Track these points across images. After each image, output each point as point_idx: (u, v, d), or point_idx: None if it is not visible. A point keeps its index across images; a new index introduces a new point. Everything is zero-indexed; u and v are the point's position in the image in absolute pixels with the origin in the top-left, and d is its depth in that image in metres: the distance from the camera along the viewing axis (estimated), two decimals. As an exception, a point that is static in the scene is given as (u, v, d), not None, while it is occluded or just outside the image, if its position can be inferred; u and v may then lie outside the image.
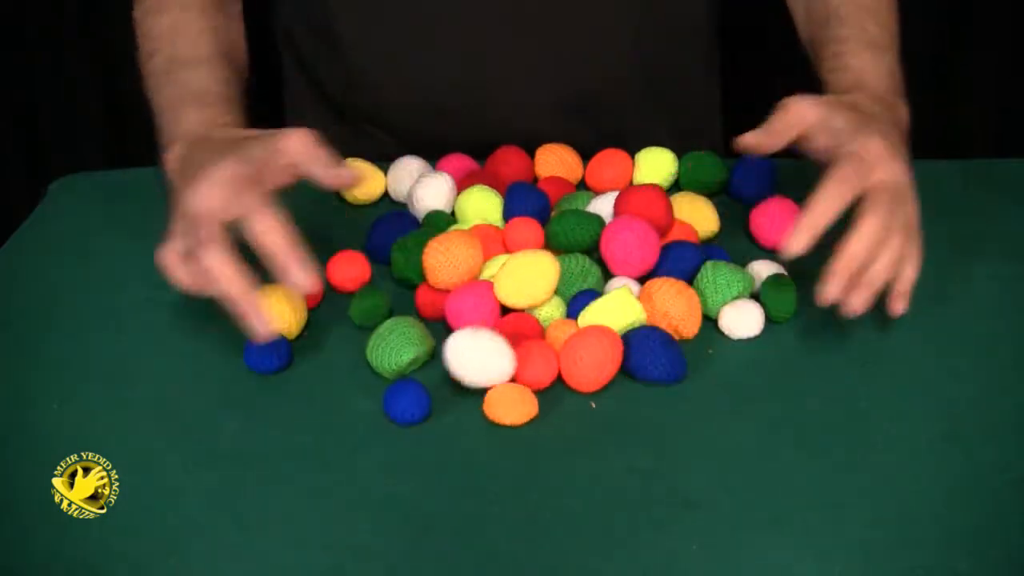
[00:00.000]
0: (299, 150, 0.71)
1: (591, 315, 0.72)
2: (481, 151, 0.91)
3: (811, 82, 0.83)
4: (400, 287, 0.79)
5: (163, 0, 0.88)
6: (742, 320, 0.73)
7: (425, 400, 0.67)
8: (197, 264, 0.67)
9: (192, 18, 0.86)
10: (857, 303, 0.68)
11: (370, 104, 0.98)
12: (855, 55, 0.80)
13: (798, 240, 0.67)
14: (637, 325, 0.72)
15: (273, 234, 0.67)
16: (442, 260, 0.74)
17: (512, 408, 0.67)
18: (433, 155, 0.91)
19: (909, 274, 0.70)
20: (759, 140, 0.73)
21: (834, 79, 0.80)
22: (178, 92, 0.81)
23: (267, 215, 0.67)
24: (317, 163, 0.71)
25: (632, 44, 0.95)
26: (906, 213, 0.70)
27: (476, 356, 0.67)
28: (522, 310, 0.73)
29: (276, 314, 0.72)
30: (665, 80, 0.99)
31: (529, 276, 0.72)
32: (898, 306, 0.70)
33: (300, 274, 0.66)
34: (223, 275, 0.66)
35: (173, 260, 0.69)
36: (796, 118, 0.73)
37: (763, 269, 0.78)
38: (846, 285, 0.68)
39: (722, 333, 0.74)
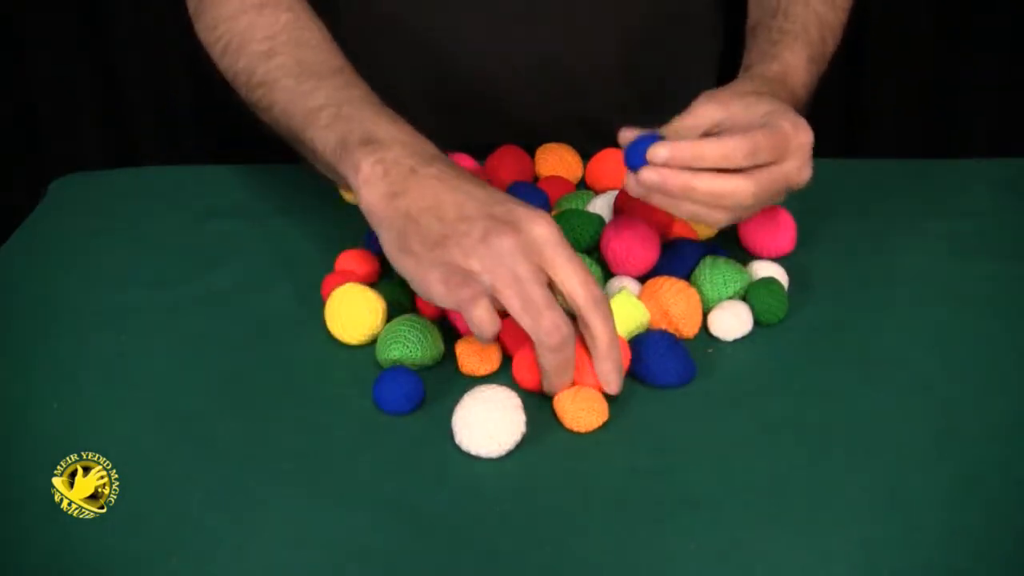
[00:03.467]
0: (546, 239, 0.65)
1: None
2: (481, 151, 0.92)
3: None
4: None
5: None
6: (730, 323, 0.73)
7: (412, 391, 0.67)
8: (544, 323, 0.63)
9: (308, 19, 0.81)
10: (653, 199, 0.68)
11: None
12: (792, 51, 0.79)
13: (658, 153, 0.66)
14: (642, 328, 0.72)
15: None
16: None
17: (585, 413, 0.66)
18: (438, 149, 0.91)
19: (719, 217, 0.69)
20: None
21: (761, 66, 0.78)
22: (346, 95, 0.74)
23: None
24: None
25: (624, 46, 0.95)
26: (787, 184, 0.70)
27: (484, 425, 0.64)
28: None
29: (357, 319, 0.72)
30: (664, 90, 0.99)
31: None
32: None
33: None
34: (564, 349, 0.64)
35: (485, 316, 0.63)
36: (701, 119, 0.71)
37: (762, 269, 0.78)
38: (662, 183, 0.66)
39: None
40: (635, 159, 0.68)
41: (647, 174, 0.66)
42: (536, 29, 0.92)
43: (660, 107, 0.99)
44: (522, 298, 0.63)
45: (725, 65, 1.06)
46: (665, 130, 0.71)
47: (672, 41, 0.96)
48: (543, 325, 0.63)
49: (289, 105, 0.76)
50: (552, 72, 0.94)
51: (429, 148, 0.70)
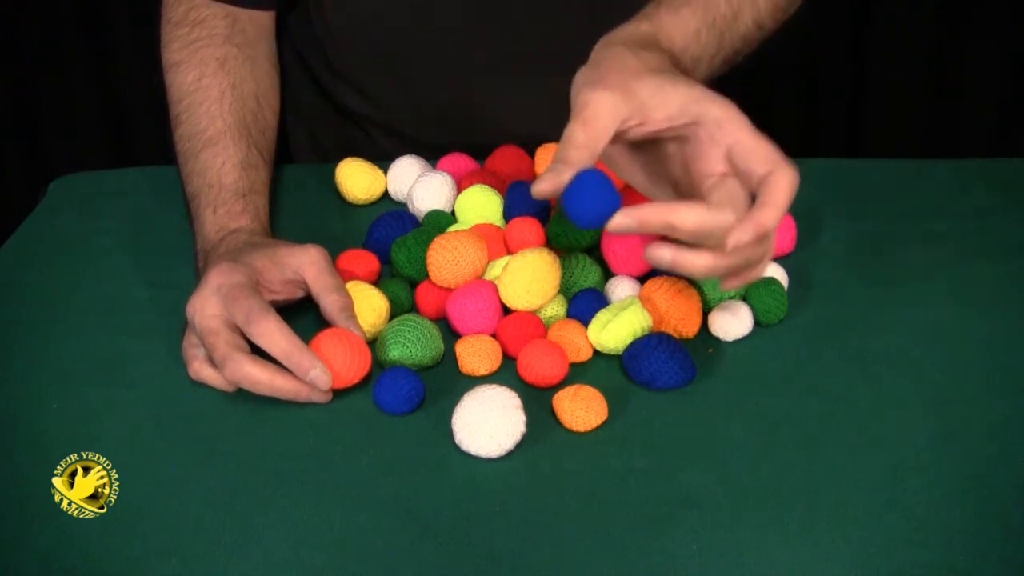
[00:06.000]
0: (310, 273, 0.72)
1: (599, 325, 0.71)
2: (481, 151, 0.91)
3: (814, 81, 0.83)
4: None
5: (183, 52, 0.87)
6: (730, 323, 0.73)
7: (412, 392, 0.68)
8: (226, 375, 0.68)
9: (210, 76, 0.86)
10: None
11: (368, 108, 0.98)
12: (685, 18, 0.69)
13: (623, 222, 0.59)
14: (645, 331, 0.72)
15: (273, 338, 0.67)
16: (449, 258, 0.74)
17: (584, 412, 0.66)
18: (433, 155, 0.92)
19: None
20: (555, 183, 0.60)
21: (653, 19, 0.68)
22: (197, 183, 0.82)
23: (263, 321, 0.68)
24: (327, 292, 0.72)
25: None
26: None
27: (484, 427, 0.64)
28: (526, 311, 0.73)
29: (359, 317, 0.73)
30: None
31: (533, 278, 0.72)
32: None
33: (314, 372, 0.67)
34: (258, 383, 0.67)
35: (208, 373, 0.70)
36: (605, 121, 0.60)
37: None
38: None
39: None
40: (589, 215, 0.58)
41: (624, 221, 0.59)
42: (528, 35, 0.91)
43: None
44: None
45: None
46: (571, 146, 0.59)
47: None
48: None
49: (183, 186, 0.84)
50: (545, 77, 0.94)
51: (208, 236, 0.78)
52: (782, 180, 0.60)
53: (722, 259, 0.61)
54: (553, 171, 0.60)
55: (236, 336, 0.69)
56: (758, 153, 0.60)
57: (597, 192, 0.58)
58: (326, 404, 0.69)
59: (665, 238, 0.61)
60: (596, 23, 0.91)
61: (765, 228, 0.60)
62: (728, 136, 0.61)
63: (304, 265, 0.73)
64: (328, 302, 0.71)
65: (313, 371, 0.67)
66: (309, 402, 0.68)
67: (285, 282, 0.73)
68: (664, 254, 0.60)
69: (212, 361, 0.69)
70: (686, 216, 0.59)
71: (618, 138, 0.62)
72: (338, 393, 0.69)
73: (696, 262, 0.61)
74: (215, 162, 0.82)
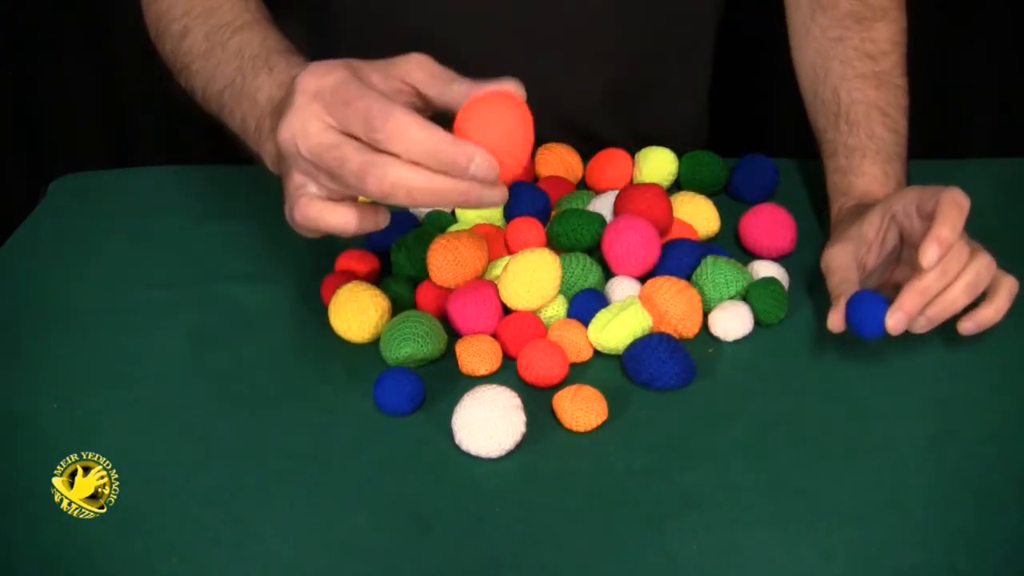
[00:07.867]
0: (419, 74, 0.60)
1: (599, 325, 0.71)
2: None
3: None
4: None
5: None
6: (730, 323, 0.73)
7: (413, 392, 0.68)
8: (371, 187, 0.55)
9: None
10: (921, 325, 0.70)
11: None
12: (861, 173, 0.81)
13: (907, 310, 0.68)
14: (645, 331, 0.72)
15: (409, 134, 0.53)
16: (449, 258, 0.74)
17: (584, 412, 0.66)
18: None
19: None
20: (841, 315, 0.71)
21: (837, 202, 0.81)
22: (233, 67, 0.71)
23: (391, 116, 0.53)
24: (448, 83, 0.59)
25: (617, 59, 0.95)
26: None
27: (484, 427, 0.64)
28: (526, 311, 0.73)
29: (353, 321, 0.72)
30: (653, 99, 0.99)
31: (533, 278, 0.72)
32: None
33: (474, 163, 0.54)
34: (413, 189, 0.54)
35: (319, 209, 0.58)
36: (845, 273, 0.73)
37: (763, 269, 0.78)
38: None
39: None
40: (869, 327, 0.69)
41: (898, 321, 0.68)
42: (528, 37, 0.91)
43: (643, 120, 0.99)
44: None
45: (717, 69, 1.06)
46: (833, 292, 0.72)
47: (665, 53, 0.96)
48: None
49: (204, 91, 0.74)
50: (546, 79, 0.94)
51: (274, 95, 0.67)
52: (945, 198, 0.69)
53: (925, 283, 0.68)
54: (834, 305, 0.71)
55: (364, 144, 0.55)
56: (927, 192, 0.72)
57: (863, 306, 0.69)
58: (329, 404, 0.68)
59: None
60: (600, 25, 0.92)
61: (943, 239, 0.67)
62: (905, 198, 0.73)
63: (411, 70, 0.60)
64: (460, 89, 0.60)
65: (473, 162, 0.54)
66: (480, 205, 0.56)
67: (391, 91, 0.59)
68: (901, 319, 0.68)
69: (328, 194, 0.59)
70: (929, 255, 0.67)
71: (867, 266, 0.74)
72: (338, 393, 0.69)
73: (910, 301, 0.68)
74: (254, 40, 0.71)
